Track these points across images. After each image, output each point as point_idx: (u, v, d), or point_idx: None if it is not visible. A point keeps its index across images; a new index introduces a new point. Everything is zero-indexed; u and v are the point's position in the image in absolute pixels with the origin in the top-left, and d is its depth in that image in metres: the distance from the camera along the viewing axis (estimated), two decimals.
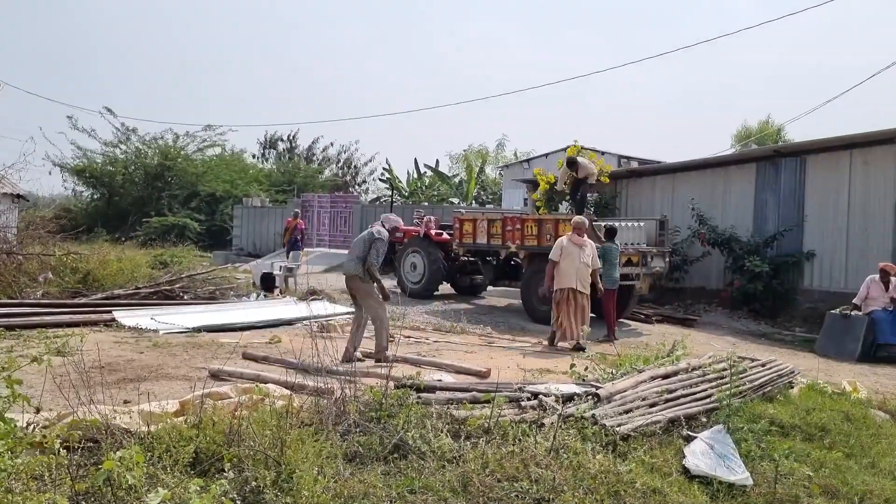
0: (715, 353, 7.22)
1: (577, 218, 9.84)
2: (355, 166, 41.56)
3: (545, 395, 4.89)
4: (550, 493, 3.63)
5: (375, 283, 7.73)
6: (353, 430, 4.10)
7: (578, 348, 8.80)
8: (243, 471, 3.38)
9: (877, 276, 10.43)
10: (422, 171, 33.71)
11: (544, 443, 4.09)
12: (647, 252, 11.87)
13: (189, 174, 31.83)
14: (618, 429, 4.47)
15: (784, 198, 13.80)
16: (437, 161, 35.23)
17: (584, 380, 5.80)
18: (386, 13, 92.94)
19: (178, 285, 12.67)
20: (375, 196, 38.26)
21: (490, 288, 14.71)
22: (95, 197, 33.28)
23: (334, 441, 3.91)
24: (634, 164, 23.17)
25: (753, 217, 14.21)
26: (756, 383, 6.15)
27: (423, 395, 4.67)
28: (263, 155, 41.28)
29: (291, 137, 41.19)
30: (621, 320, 12.29)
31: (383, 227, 7.99)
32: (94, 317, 9.54)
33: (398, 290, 13.94)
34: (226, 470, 3.34)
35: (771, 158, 14.24)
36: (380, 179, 38.44)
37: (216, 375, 5.92)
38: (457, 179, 34.67)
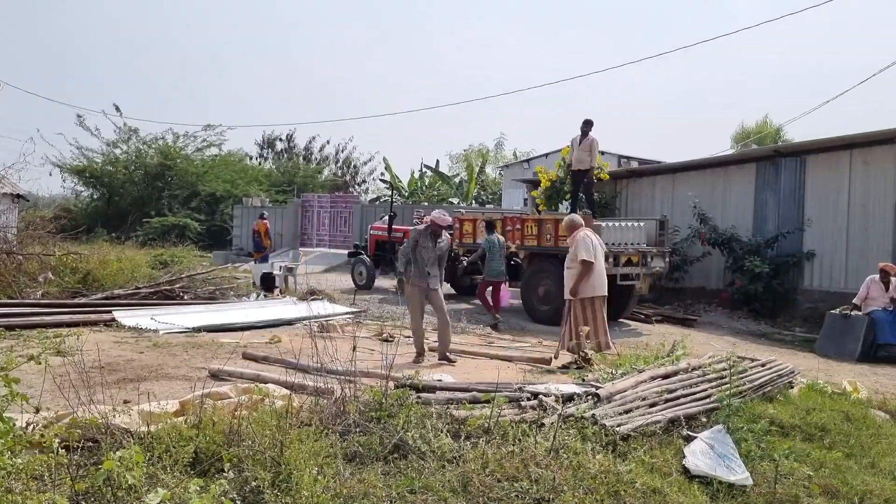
0: (715, 353, 7.22)
1: (575, 216, 8.82)
2: (355, 166, 41.57)
3: (545, 395, 4.89)
4: (550, 493, 3.63)
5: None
6: (353, 430, 4.10)
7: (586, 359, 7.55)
8: (243, 471, 3.38)
9: (877, 276, 10.44)
10: (422, 171, 33.72)
11: (544, 443, 4.09)
12: (647, 252, 11.87)
13: (189, 174, 31.83)
14: (618, 429, 4.47)
15: (784, 198, 13.81)
16: (437, 161, 35.27)
17: (584, 380, 5.80)
18: (386, 13, 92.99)
19: (178, 285, 12.66)
20: (375, 196, 38.27)
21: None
22: (95, 197, 33.29)
23: (334, 441, 3.91)
24: (634, 164, 23.18)
25: (753, 217, 14.22)
26: (756, 383, 6.14)
27: (423, 395, 4.67)
28: (261, 155, 41.31)
29: (289, 137, 41.24)
30: (621, 320, 12.31)
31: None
32: (93, 317, 9.54)
33: (398, 291, 13.95)
34: (226, 470, 3.33)
35: (771, 158, 14.25)
36: (380, 179, 38.48)
37: (216, 375, 5.92)
38: (457, 179, 34.68)
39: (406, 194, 31.49)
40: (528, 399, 4.86)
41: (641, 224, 12.36)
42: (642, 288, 12.02)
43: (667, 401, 5.24)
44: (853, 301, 10.57)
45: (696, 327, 12.45)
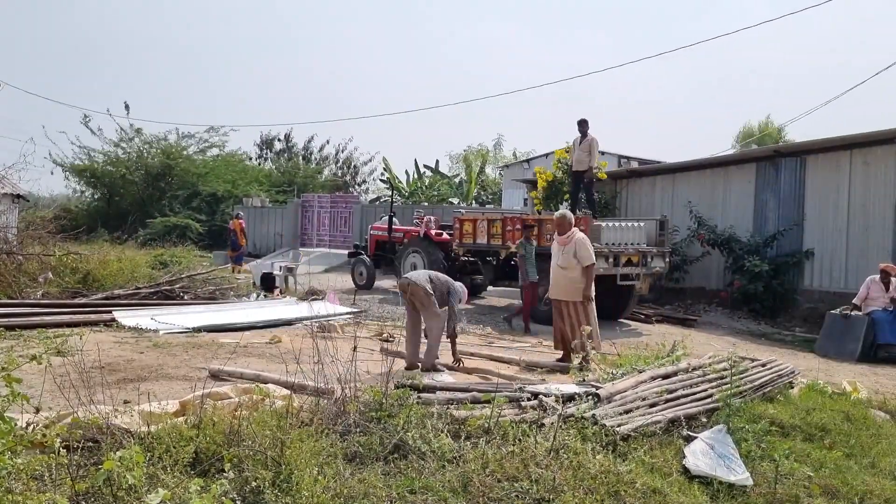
0: (715, 353, 7.22)
1: (557, 213, 8.33)
2: (355, 166, 41.55)
3: (545, 395, 4.89)
4: (550, 493, 3.63)
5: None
6: (353, 430, 4.10)
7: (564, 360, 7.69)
8: (243, 471, 3.38)
9: (877, 277, 10.44)
10: (422, 172, 33.71)
11: (544, 443, 4.09)
12: (647, 252, 11.87)
13: (190, 174, 31.83)
14: (618, 429, 4.47)
15: (784, 198, 13.81)
16: (437, 161, 35.27)
17: (584, 380, 5.80)
18: (385, 14, 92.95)
19: (178, 285, 12.65)
20: (375, 196, 38.26)
21: (490, 288, 14.72)
22: (96, 197, 33.30)
23: (334, 441, 3.91)
24: (634, 164, 23.19)
25: (753, 217, 14.22)
26: (756, 383, 6.15)
27: (423, 395, 4.67)
28: (261, 155, 41.30)
29: (286, 137, 41.23)
30: (621, 320, 12.31)
31: None
32: (94, 317, 9.53)
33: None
34: (226, 470, 3.33)
35: (771, 158, 14.25)
36: (380, 179, 38.48)
37: (216, 375, 5.91)
38: (457, 180, 34.68)
39: (406, 194, 31.49)
40: (529, 399, 4.86)
41: (641, 224, 12.35)
42: (642, 288, 12.02)
43: (667, 401, 5.24)
44: (853, 301, 10.57)
45: (696, 327, 12.45)
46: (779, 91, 71.13)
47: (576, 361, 7.38)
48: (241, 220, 19.69)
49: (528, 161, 29.59)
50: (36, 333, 8.30)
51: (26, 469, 3.02)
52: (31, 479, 3.05)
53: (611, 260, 11.17)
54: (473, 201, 31.65)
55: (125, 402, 4.65)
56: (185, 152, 32.71)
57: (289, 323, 10.36)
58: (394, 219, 16.30)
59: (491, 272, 13.88)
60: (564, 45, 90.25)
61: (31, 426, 3.48)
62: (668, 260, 12.51)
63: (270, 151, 41.49)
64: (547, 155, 25.70)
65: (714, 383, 5.77)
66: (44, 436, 3.25)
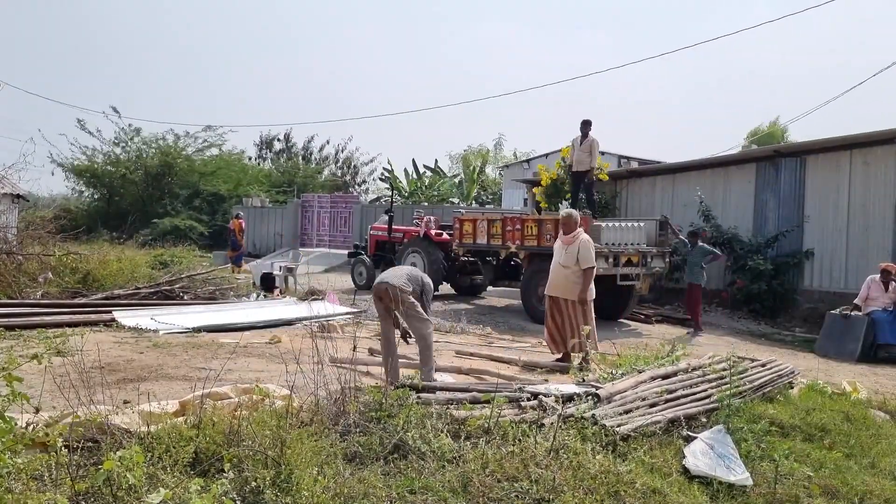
0: (715, 353, 7.22)
1: (563, 212, 8.34)
2: (355, 166, 41.57)
3: (545, 395, 4.89)
4: (550, 493, 3.63)
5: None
6: (353, 431, 4.10)
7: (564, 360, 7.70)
8: (243, 471, 3.38)
9: (877, 277, 10.43)
10: (421, 172, 33.71)
11: (544, 443, 4.09)
12: (647, 252, 11.88)
13: (190, 174, 31.83)
14: (618, 429, 4.47)
15: (784, 198, 13.81)
16: (437, 161, 35.27)
17: (584, 380, 5.80)
18: (386, 14, 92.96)
19: (178, 285, 12.66)
20: (375, 196, 38.27)
21: (490, 288, 14.73)
22: (96, 197, 33.30)
23: (334, 441, 3.91)
24: (634, 164, 23.19)
25: (753, 217, 14.22)
26: (756, 383, 6.14)
27: (423, 395, 4.67)
28: (260, 155, 41.30)
29: (286, 137, 41.25)
30: (621, 320, 12.31)
31: None
32: (94, 317, 9.53)
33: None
34: (226, 470, 3.33)
35: (771, 158, 14.25)
36: (380, 179, 38.48)
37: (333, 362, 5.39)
38: (457, 180, 34.68)
39: (406, 194, 31.50)
40: (528, 399, 4.86)
41: (641, 224, 12.36)
42: (642, 288, 12.03)
43: (667, 401, 5.24)
44: (854, 301, 10.57)
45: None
46: (779, 91, 71.17)
47: (576, 361, 7.37)
48: (240, 220, 19.82)
49: (528, 161, 29.60)
50: (36, 333, 8.31)
51: (26, 469, 3.03)
52: (31, 479, 3.05)
53: (611, 260, 11.18)
54: (473, 201, 31.65)
55: (125, 402, 4.65)
56: (184, 152, 32.71)
57: (289, 323, 10.36)
58: (393, 219, 16.31)
59: (491, 272, 13.89)
60: (565, 46, 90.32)
61: (31, 426, 3.49)
62: (668, 260, 12.52)
63: (270, 151, 41.51)
64: (547, 155, 25.72)
65: (714, 383, 5.77)
66: (46, 435, 3.25)
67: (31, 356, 3.51)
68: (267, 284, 14.45)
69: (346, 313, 11.49)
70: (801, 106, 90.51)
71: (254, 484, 3.28)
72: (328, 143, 41.11)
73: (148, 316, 9.74)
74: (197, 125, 44.72)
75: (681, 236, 12.26)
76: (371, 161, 41.18)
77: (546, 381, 6.16)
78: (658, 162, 20.92)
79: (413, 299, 6.24)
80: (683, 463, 4.38)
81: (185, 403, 4.34)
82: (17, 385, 3.19)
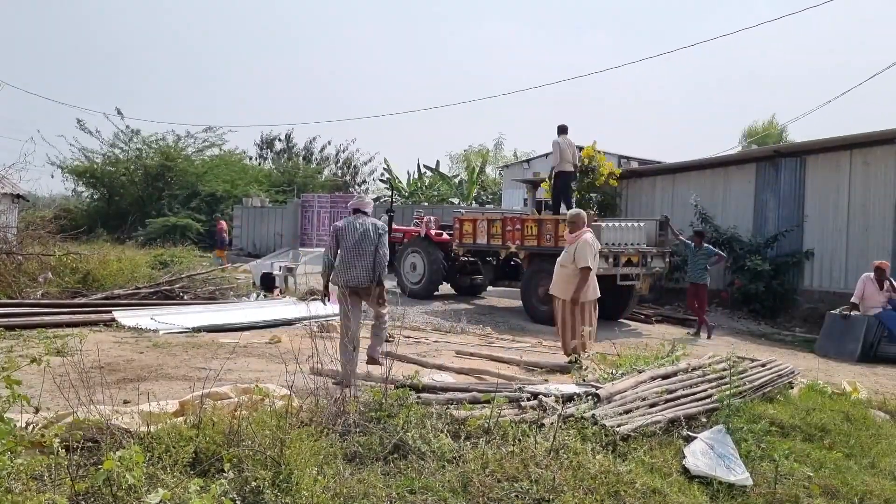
0: (715, 353, 7.22)
1: (572, 211, 8.56)
2: (355, 166, 41.58)
3: (545, 395, 4.89)
4: (550, 493, 3.63)
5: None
6: (353, 431, 4.10)
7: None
8: (243, 471, 3.37)
9: (871, 274, 10.42)
10: (422, 172, 33.73)
11: (544, 443, 4.09)
12: (647, 252, 11.87)
13: (189, 174, 31.84)
14: (618, 429, 4.47)
15: (784, 198, 13.81)
16: (438, 162, 35.28)
17: (584, 380, 5.80)
18: (387, 15, 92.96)
19: (178, 285, 12.65)
20: (375, 196, 38.26)
21: (490, 288, 14.72)
22: (95, 197, 33.31)
23: (334, 441, 3.91)
24: (634, 165, 23.19)
25: (753, 217, 14.22)
26: (756, 383, 6.14)
27: (423, 395, 4.67)
28: (261, 155, 41.31)
29: (287, 137, 41.26)
30: (621, 320, 12.31)
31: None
32: (93, 317, 9.53)
33: (398, 291, 13.96)
34: (225, 470, 3.33)
35: (771, 159, 14.25)
36: (380, 180, 38.49)
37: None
38: (457, 180, 34.69)
39: (406, 194, 31.50)
40: (528, 399, 4.85)
41: (641, 224, 12.36)
42: (642, 288, 12.02)
43: (667, 401, 5.24)
44: (851, 300, 10.56)
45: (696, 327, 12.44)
46: (779, 91, 71.18)
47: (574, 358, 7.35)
48: (224, 222, 22.52)
49: (528, 161, 29.61)
50: (36, 333, 8.31)
51: (26, 469, 3.02)
52: (31, 479, 3.05)
53: (611, 260, 11.17)
54: (473, 201, 31.65)
55: (125, 402, 4.65)
56: (183, 152, 32.72)
57: (289, 323, 10.36)
58: (393, 218, 16.29)
59: (491, 272, 13.89)
60: (566, 46, 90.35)
61: (31, 426, 3.48)
62: (668, 260, 12.52)
63: (271, 151, 41.52)
64: (547, 155, 25.71)
65: (714, 383, 5.77)
66: (43, 436, 3.24)
67: (30, 360, 3.50)
68: (267, 284, 14.44)
69: None
70: (801, 106, 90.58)
71: (254, 484, 3.28)
72: (329, 143, 41.19)
73: (148, 316, 9.74)
74: (198, 125, 44.81)
75: (681, 237, 12.26)
76: (370, 161, 41.24)
77: (546, 381, 6.15)
78: (658, 162, 20.92)
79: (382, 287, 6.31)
80: (683, 463, 4.38)
81: (185, 403, 4.33)
82: (17, 385, 3.19)
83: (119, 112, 31.56)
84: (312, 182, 35.62)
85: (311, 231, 25.44)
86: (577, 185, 13.96)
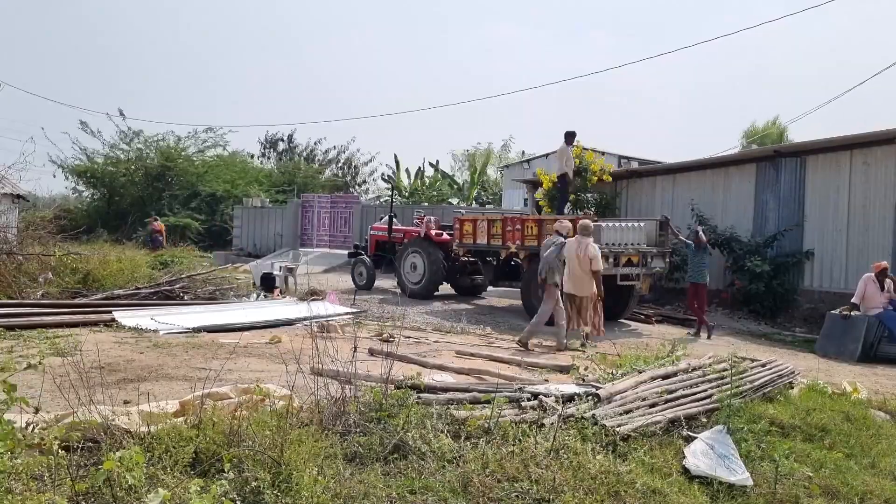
0: (715, 353, 7.22)
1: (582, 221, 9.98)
2: (355, 166, 41.55)
3: (545, 395, 4.89)
4: (550, 493, 3.63)
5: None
6: (353, 431, 4.10)
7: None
8: (243, 471, 3.37)
9: (871, 275, 10.41)
10: (424, 172, 33.75)
11: (544, 443, 4.09)
12: (647, 252, 11.87)
13: (190, 174, 31.85)
14: (618, 429, 4.47)
15: (784, 198, 13.81)
16: (438, 161, 35.27)
17: (584, 380, 5.80)
18: (387, 15, 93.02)
19: (178, 285, 12.65)
20: (375, 196, 38.29)
21: (490, 288, 14.72)
22: (96, 197, 33.31)
23: (334, 441, 3.91)
24: (634, 165, 23.19)
25: (754, 217, 14.22)
26: (756, 384, 6.14)
27: (424, 395, 4.67)
28: (264, 154, 41.32)
29: (289, 137, 41.24)
30: (621, 320, 12.30)
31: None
32: (94, 317, 9.53)
33: (398, 291, 13.97)
34: (226, 470, 3.33)
35: (771, 159, 14.24)
36: (382, 179, 38.46)
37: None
38: (459, 180, 34.71)
39: (406, 194, 31.50)
40: (529, 399, 4.85)
41: (641, 224, 12.36)
42: (642, 288, 12.02)
43: (667, 401, 5.24)
44: (852, 300, 10.55)
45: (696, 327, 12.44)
46: (779, 91, 71.16)
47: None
48: (159, 222, 24.17)
49: (528, 161, 29.59)
50: (36, 333, 8.30)
51: (26, 470, 3.02)
52: (31, 480, 3.05)
53: (611, 260, 11.17)
54: (473, 201, 31.65)
55: (125, 402, 4.65)
56: (184, 153, 32.72)
57: (289, 323, 10.35)
58: (394, 219, 16.31)
59: (491, 272, 13.88)
60: (566, 47, 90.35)
61: (31, 426, 3.48)
62: (668, 260, 12.52)
63: (274, 151, 41.51)
64: (547, 155, 25.70)
65: (714, 384, 5.77)
66: (43, 438, 3.24)
67: (27, 366, 3.50)
68: (267, 284, 14.44)
69: (346, 313, 11.49)
70: (802, 106, 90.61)
71: (254, 484, 3.28)
72: (333, 148, 41.17)
73: (148, 316, 9.74)
74: (199, 125, 44.69)
75: (681, 237, 12.26)
76: (371, 161, 41.22)
77: (546, 381, 6.16)
78: (658, 162, 20.92)
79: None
80: (684, 463, 4.38)
81: (185, 403, 4.33)
82: (17, 384, 3.18)
83: (121, 112, 31.56)
84: (313, 182, 35.61)
85: (312, 231, 25.43)
86: (572, 186, 14.08)
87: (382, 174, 37.73)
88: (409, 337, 9.32)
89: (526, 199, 21.83)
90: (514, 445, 4.04)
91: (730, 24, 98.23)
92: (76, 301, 10.74)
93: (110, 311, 9.85)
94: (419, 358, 7.22)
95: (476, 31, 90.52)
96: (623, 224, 12.01)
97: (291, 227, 25.75)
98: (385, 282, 16.04)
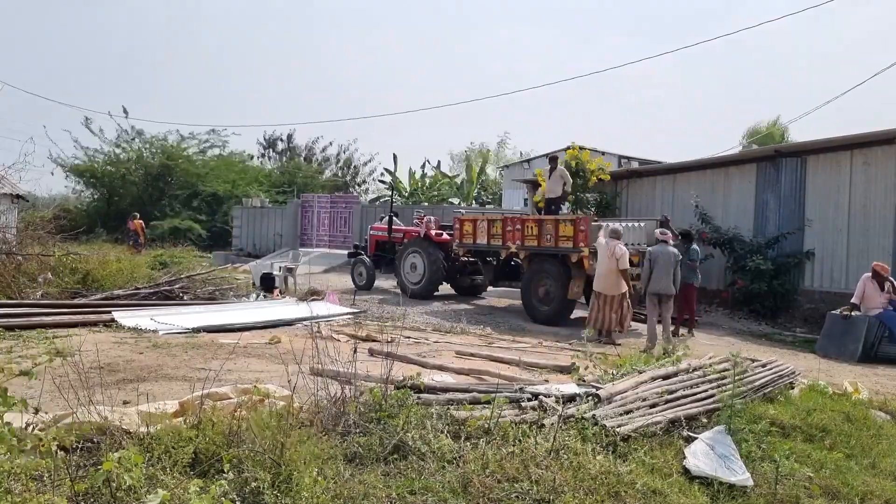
0: (715, 353, 7.21)
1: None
2: (355, 166, 41.55)
3: (545, 395, 4.88)
4: (551, 493, 3.62)
5: None
6: (353, 431, 4.10)
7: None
8: (243, 472, 3.37)
9: (870, 274, 10.39)
10: (424, 172, 33.74)
11: (545, 443, 4.08)
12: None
13: (190, 174, 31.84)
14: (618, 429, 4.46)
15: (784, 198, 13.80)
16: (439, 161, 35.27)
17: (584, 380, 5.79)
18: (388, 15, 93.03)
19: (177, 286, 12.65)
20: (375, 196, 38.27)
21: (490, 288, 14.71)
22: (95, 197, 33.30)
23: (334, 442, 3.90)
24: (634, 164, 23.20)
25: (754, 217, 14.21)
26: (757, 384, 6.14)
27: (424, 395, 4.66)
28: (264, 155, 41.32)
29: (289, 137, 41.24)
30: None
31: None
32: (93, 317, 9.53)
33: (398, 291, 13.96)
34: (225, 471, 3.33)
35: (771, 158, 14.24)
36: (380, 181, 38.46)
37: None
38: (458, 180, 34.69)
39: (406, 194, 31.49)
40: (529, 400, 4.85)
41: (641, 224, 12.35)
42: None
43: (667, 401, 5.24)
44: (852, 300, 10.54)
45: (697, 327, 12.43)
46: (779, 92, 71.16)
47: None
48: (140, 221, 23.01)
49: (528, 161, 29.59)
50: (35, 334, 8.30)
51: (26, 470, 3.02)
52: (31, 480, 3.04)
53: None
54: (473, 201, 31.64)
55: (125, 402, 4.64)
56: (185, 153, 32.72)
57: (289, 323, 10.35)
58: (394, 219, 16.30)
59: (491, 272, 13.88)
60: (568, 47, 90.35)
61: (31, 427, 3.48)
62: None
63: (273, 151, 41.51)
64: (547, 155, 25.70)
65: (714, 384, 5.77)
66: (40, 439, 3.23)
67: (20, 372, 3.49)
68: (267, 284, 14.44)
69: (346, 313, 11.48)
70: (802, 106, 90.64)
71: (253, 485, 3.27)
72: (331, 144, 41.16)
73: (147, 316, 9.73)
74: (201, 125, 44.78)
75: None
76: (370, 161, 41.22)
77: (546, 381, 6.15)
78: (658, 162, 20.91)
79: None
80: (684, 463, 4.38)
81: (185, 404, 4.33)
82: (16, 384, 3.18)
83: (125, 110, 31.56)
84: (313, 182, 35.61)
85: (311, 231, 25.43)
86: (571, 187, 14.19)
87: (381, 175, 37.75)
88: (409, 337, 9.31)
89: (526, 199, 21.83)
90: (514, 446, 4.04)
91: (730, 24, 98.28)
92: (75, 301, 10.74)
93: (110, 312, 9.84)
94: (419, 358, 7.22)
95: (476, 30, 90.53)
96: (623, 224, 12.00)
97: (291, 227, 25.75)
98: (385, 282, 16.04)
